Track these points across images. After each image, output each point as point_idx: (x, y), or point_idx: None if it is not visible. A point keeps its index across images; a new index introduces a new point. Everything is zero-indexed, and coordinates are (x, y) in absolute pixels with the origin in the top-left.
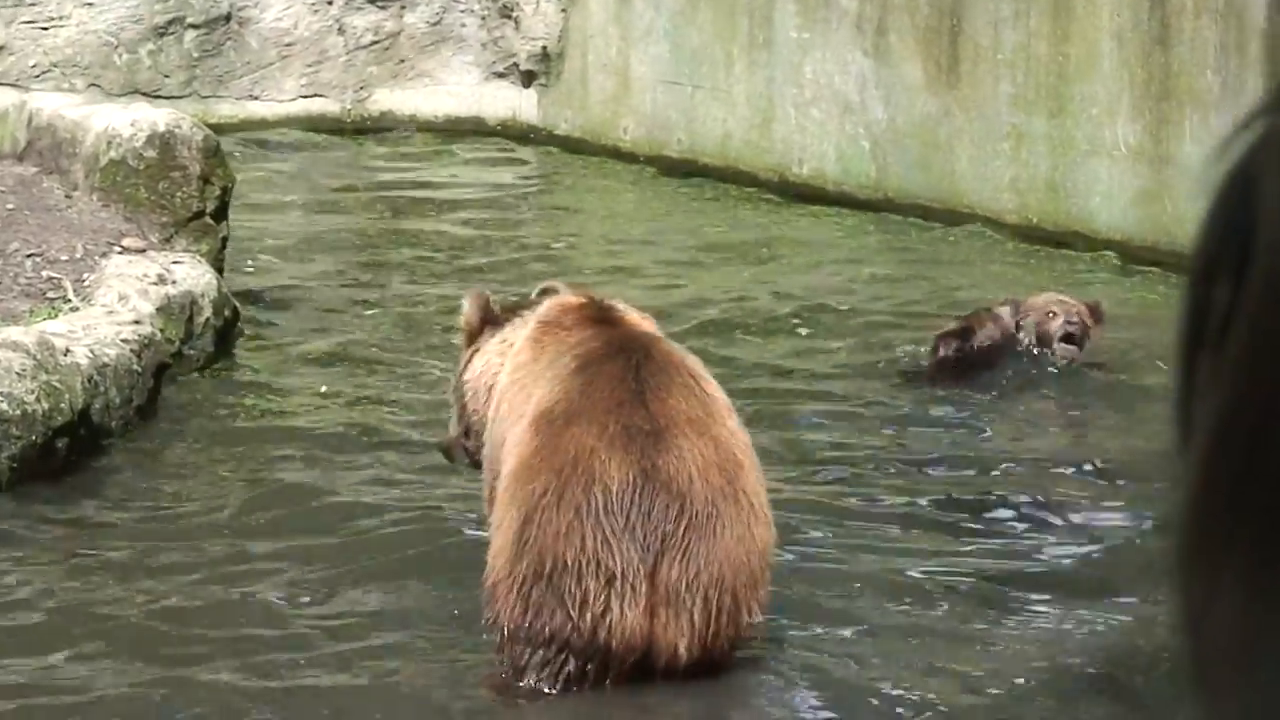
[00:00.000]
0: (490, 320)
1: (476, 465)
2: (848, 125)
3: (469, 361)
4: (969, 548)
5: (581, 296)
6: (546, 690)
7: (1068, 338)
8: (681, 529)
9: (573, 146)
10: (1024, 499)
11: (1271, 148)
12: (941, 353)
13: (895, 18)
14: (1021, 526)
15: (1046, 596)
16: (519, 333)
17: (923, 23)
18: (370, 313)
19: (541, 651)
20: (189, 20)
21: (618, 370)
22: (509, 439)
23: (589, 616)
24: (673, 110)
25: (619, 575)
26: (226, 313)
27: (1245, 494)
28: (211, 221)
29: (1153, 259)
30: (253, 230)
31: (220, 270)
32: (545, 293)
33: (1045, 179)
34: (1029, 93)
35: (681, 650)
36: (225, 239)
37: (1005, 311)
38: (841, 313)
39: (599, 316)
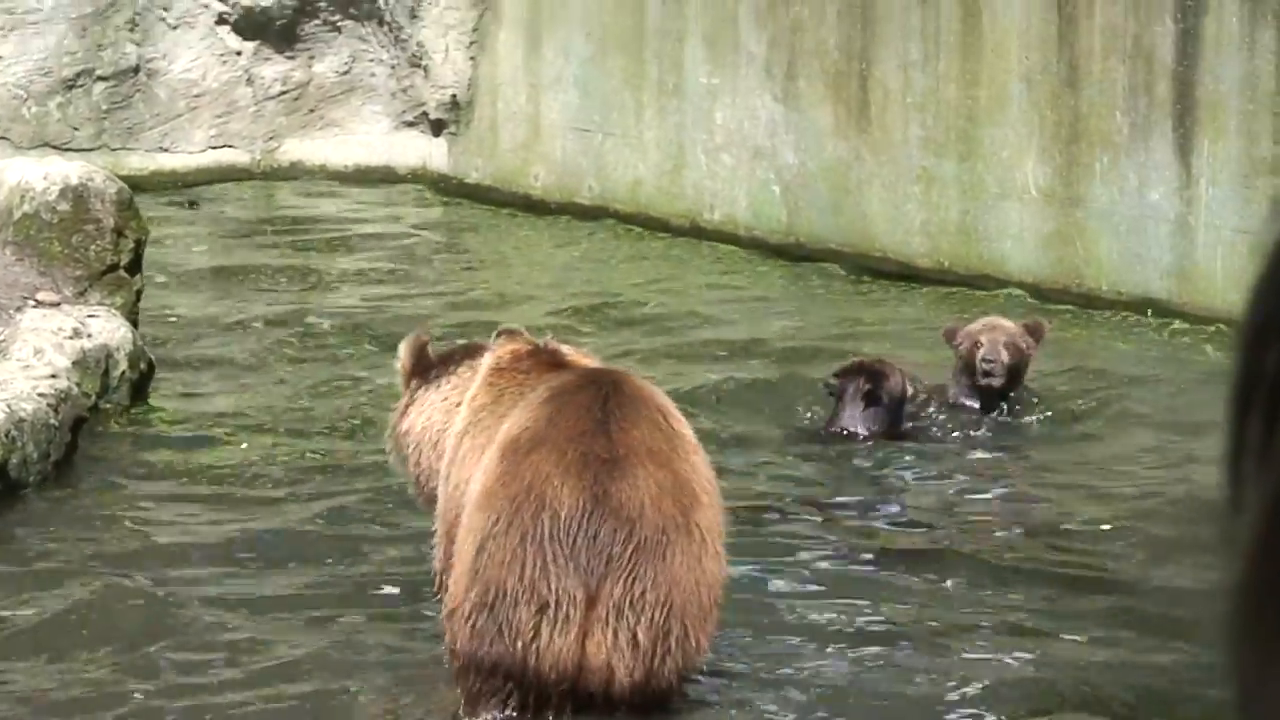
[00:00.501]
0: (426, 364)
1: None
2: (758, 170)
3: (404, 413)
4: (900, 594)
5: (529, 344)
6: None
7: (985, 373)
8: (628, 552)
9: (483, 195)
10: (950, 544)
11: None
12: (850, 390)
13: (804, 62)
14: (947, 572)
15: (984, 643)
16: (468, 383)
17: (832, 67)
18: (285, 363)
19: (488, 681)
20: (98, 72)
21: (586, 400)
22: (477, 472)
23: (520, 645)
24: (583, 157)
25: (552, 603)
26: (142, 365)
27: None
28: (125, 274)
29: (1064, 300)
30: (167, 282)
31: (135, 323)
32: (503, 335)
33: (956, 222)
34: (939, 136)
35: (619, 672)
36: (140, 291)
37: (896, 375)
38: (751, 355)
39: (553, 361)
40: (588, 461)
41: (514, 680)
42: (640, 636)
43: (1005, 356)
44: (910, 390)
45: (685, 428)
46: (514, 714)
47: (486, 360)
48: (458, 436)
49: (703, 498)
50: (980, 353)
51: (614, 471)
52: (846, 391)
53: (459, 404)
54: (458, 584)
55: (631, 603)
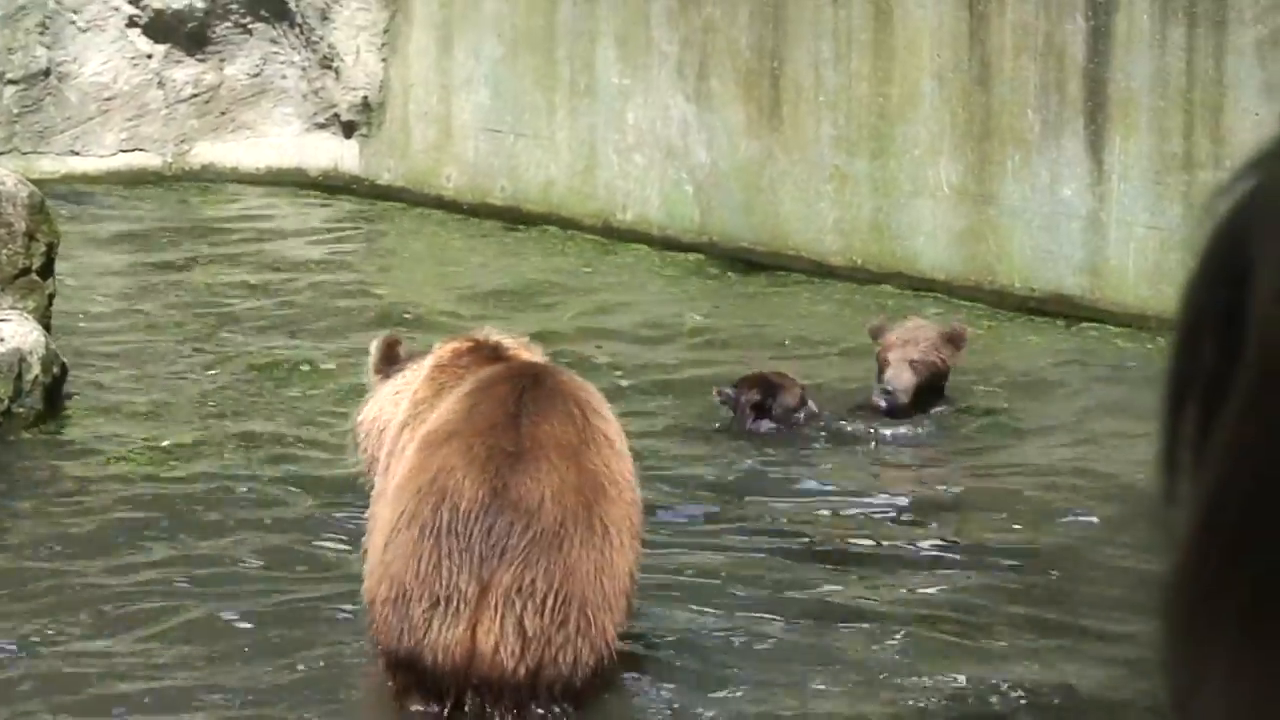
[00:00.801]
0: (392, 362)
1: None
2: (671, 170)
3: (362, 406)
4: (811, 590)
5: (469, 340)
6: (422, 710)
7: (887, 394)
8: (523, 544)
9: (395, 196)
10: (867, 540)
11: (1262, 205)
12: (743, 400)
13: (716, 62)
14: (866, 567)
15: (899, 630)
16: (415, 376)
17: (744, 66)
18: (199, 366)
19: (404, 674)
20: (8, 76)
21: (502, 394)
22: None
23: (414, 641)
24: (495, 158)
25: (443, 599)
26: (55, 370)
27: (1236, 574)
28: (38, 278)
29: (976, 297)
30: (79, 286)
31: (48, 327)
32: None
33: (869, 220)
34: (851, 134)
35: (507, 660)
36: (52, 295)
37: (794, 389)
38: (662, 353)
39: (494, 355)
40: (492, 455)
41: (417, 674)
42: (528, 624)
43: (907, 381)
44: (807, 405)
45: (605, 422)
46: (436, 705)
47: (431, 355)
48: (398, 428)
49: (610, 491)
50: (885, 375)
51: (516, 465)
52: (739, 401)
53: (405, 396)
54: (370, 578)
55: (520, 590)
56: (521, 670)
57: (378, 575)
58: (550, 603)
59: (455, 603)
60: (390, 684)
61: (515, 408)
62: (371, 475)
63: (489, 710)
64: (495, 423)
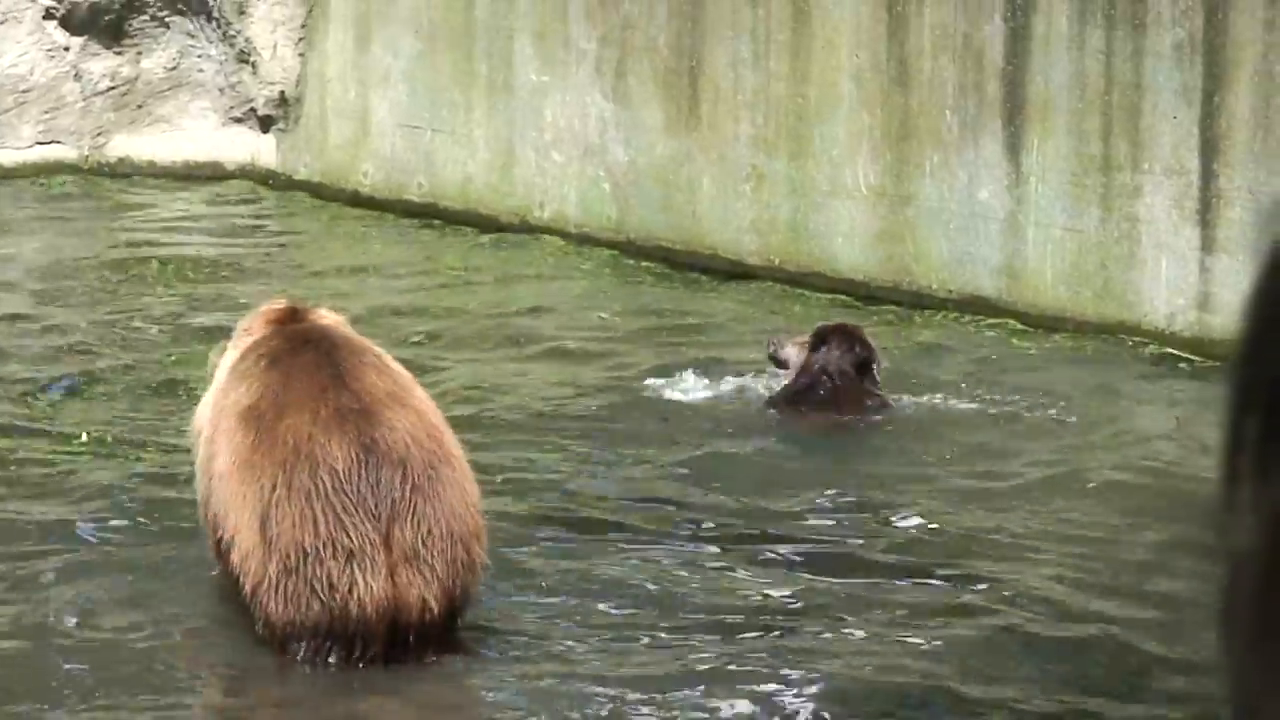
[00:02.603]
0: None
1: None
2: (588, 168)
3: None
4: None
5: (281, 302)
6: (321, 672)
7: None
8: (407, 493)
9: (312, 191)
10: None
11: None
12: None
13: (634, 60)
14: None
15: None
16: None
17: (662, 65)
18: (113, 363)
19: (312, 641)
20: None
21: (311, 360)
22: (215, 444)
23: (339, 596)
24: (412, 154)
25: (356, 550)
26: None
27: None
28: None
29: (894, 298)
30: None
31: None
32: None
33: (786, 220)
34: (769, 134)
35: (431, 603)
36: None
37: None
38: (575, 350)
39: (280, 319)
40: (344, 415)
41: (336, 634)
42: (437, 569)
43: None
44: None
45: (401, 368)
46: (334, 666)
47: (239, 324)
48: (211, 407)
49: (442, 428)
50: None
51: (367, 420)
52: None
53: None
54: (249, 559)
55: (423, 540)
56: (438, 610)
57: (260, 553)
58: (443, 544)
59: (369, 551)
60: (298, 653)
61: (333, 369)
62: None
63: (411, 657)
64: (324, 386)
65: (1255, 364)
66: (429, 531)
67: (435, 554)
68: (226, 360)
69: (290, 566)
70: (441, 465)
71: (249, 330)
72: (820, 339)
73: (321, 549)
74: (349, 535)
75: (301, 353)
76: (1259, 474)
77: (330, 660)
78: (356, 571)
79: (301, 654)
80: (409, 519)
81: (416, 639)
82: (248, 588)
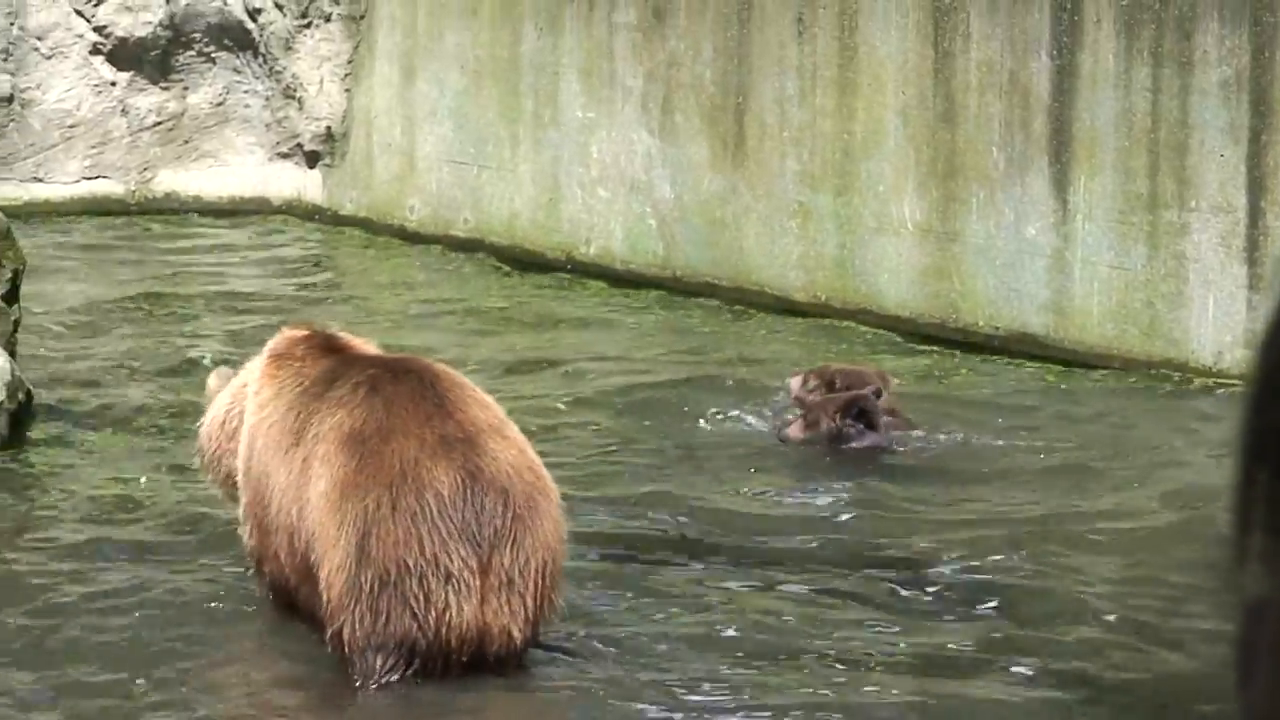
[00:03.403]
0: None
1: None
2: (634, 204)
3: (206, 418)
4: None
5: (304, 328)
6: (394, 688)
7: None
8: (508, 522)
9: (359, 226)
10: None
11: None
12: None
13: (681, 96)
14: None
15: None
16: (251, 374)
17: (708, 101)
18: (160, 394)
19: (393, 656)
20: None
21: (412, 389)
22: (284, 470)
23: (432, 616)
24: (459, 189)
25: (455, 573)
26: (20, 396)
27: None
28: (3, 304)
29: (939, 335)
30: (43, 313)
31: (13, 353)
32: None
33: (833, 256)
34: (815, 170)
35: (515, 634)
36: (17, 321)
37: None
38: (625, 387)
39: (327, 345)
40: (449, 443)
41: (419, 652)
42: (528, 600)
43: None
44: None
45: (493, 402)
46: (409, 682)
47: (267, 347)
48: (250, 431)
49: (538, 463)
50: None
51: (473, 449)
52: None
53: (245, 391)
54: (340, 573)
55: (520, 570)
56: (520, 641)
57: (354, 568)
58: (536, 575)
59: (466, 577)
60: (359, 671)
61: (437, 398)
62: (220, 470)
63: (488, 676)
64: (429, 414)
65: (1265, 414)
66: (526, 561)
67: (529, 584)
68: (265, 385)
69: (388, 580)
70: (540, 498)
71: (292, 356)
72: (836, 386)
73: (424, 566)
74: (450, 558)
75: (403, 381)
76: (1270, 525)
77: (406, 672)
78: (451, 594)
79: (379, 668)
80: (509, 547)
81: (495, 664)
82: (331, 601)
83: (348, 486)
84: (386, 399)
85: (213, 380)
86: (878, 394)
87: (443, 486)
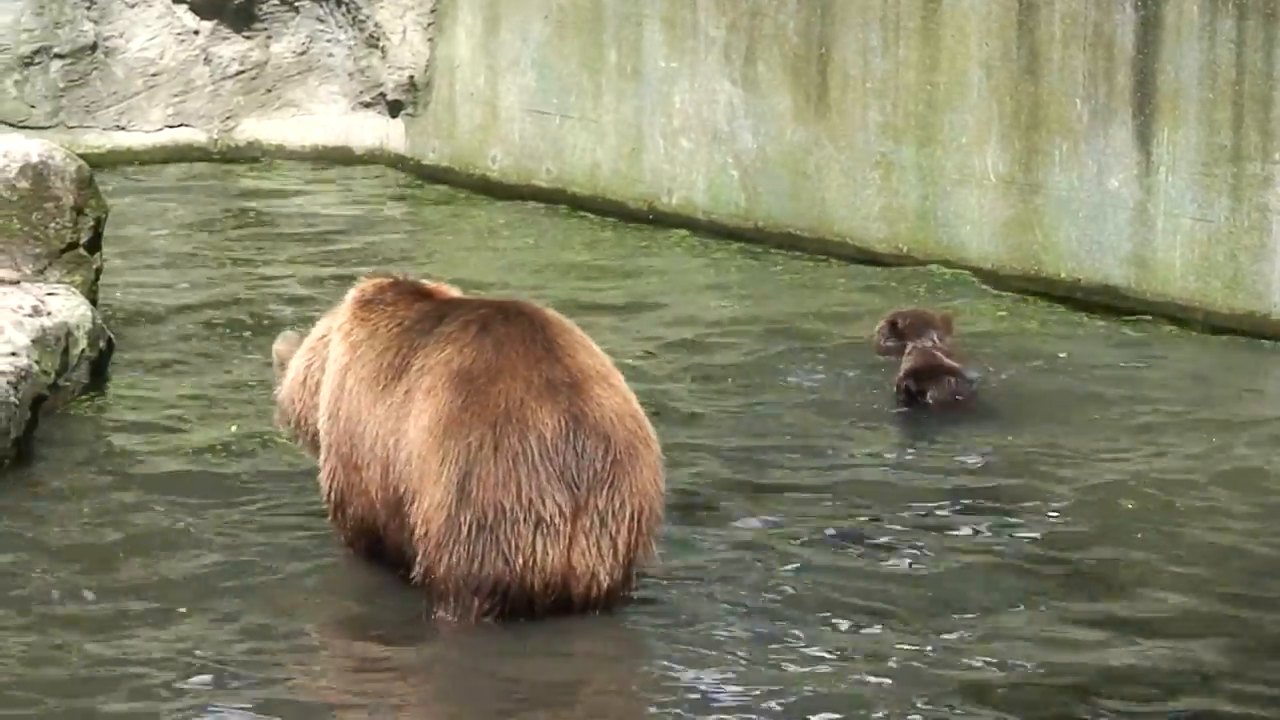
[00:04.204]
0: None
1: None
2: (717, 155)
3: (279, 383)
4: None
5: (388, 277)
6: (488, 627)
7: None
8: (608, 466)
9: (441, 176)
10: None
11: None
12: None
13: (764, 47)
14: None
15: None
16: (336, 321)
17: (791, 52)
18: (245, 345)
19: (484, 598)
20: (55, 50)
21: (523, 332)
22: (382, 403)
23: (521, 560)
24: (541, 140)
25: (546, 519)
26: (101, 344)
27: None
28: (85, 253)
29: (1022, 287)
30: (126, 261)
31: (94, 301)
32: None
33: (915, 208)
34: (898, 121)
35: (602, 576)
36: (99, 270)
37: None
38: (709, 338)
39: (416, 291)
40: (555, 387)
41: (507, 596)
42: (619, 544)
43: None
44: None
45: (601, 351)
46: (499, 622)
47: (350, 296)
48: (339, 373)
49: (641, 413)
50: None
51: (578, 394)
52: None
53: (327, 341)
54: (439, 511)
55: (613, 513)
56: (607, 585)
57: (453, 507)
58: (632, 520)
59: (556, 522)
60: (449, 609)
61: (546, 342)
62: (307, 426)
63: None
64: (538, 357)
65: None
66: (621, 505)
67: (621, 529)
68: (353, 330)
69: (484, 524)
70: (641, 446)
71: (382, 302)
72: (899, 327)
73: (518, 511)
74: (544, 502)
75: (514, 323)
76: None
77: (497, 613)
78: (540, 539)
79: (472, 609)
80: (605, 490)
81: (583, 606)
82: (429, 536)
83: (452, 423)
84: (497, 339)
85: (280, 344)
86: (941, 337)
87: (546, 429)
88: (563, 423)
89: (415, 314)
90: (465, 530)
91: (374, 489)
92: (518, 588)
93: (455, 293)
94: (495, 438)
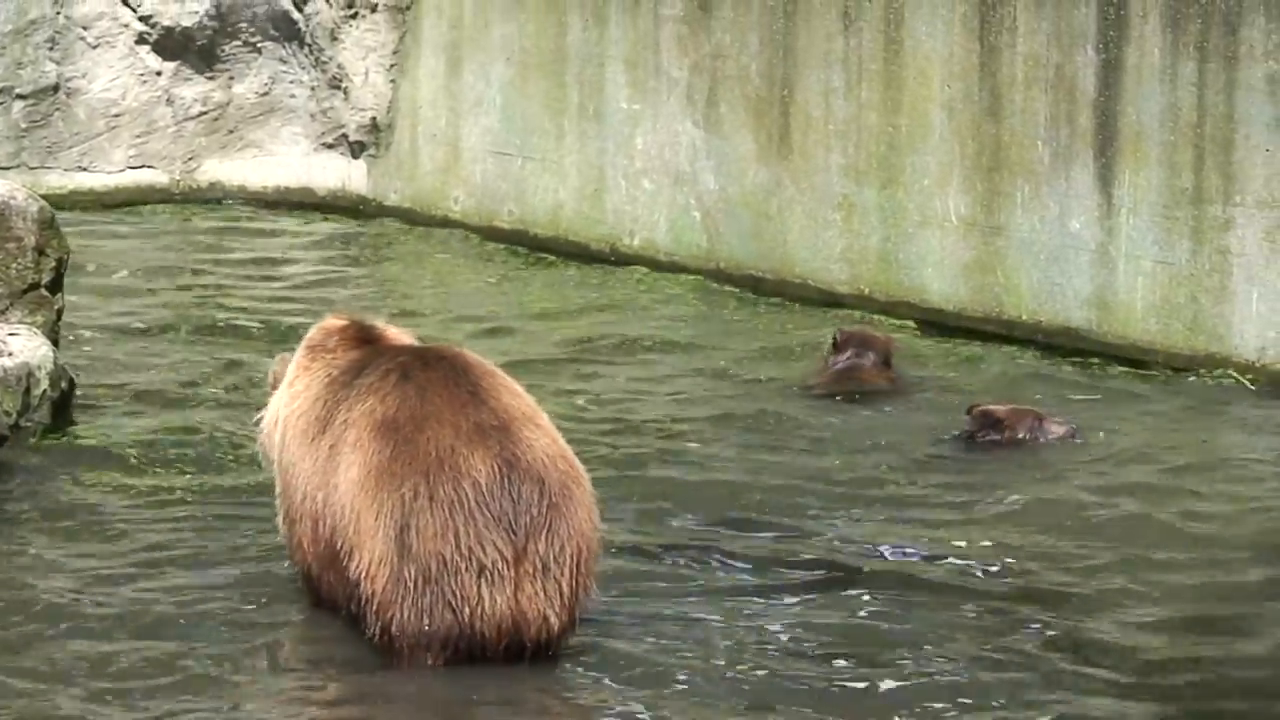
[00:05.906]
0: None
1: None
2: (679, 196)
3: (265, 412)
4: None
5: (343, 319)
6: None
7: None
8: (544, 511)
9: (403, 216)
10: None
11: None
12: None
13: (726, 88)
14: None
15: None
16: (290, 364)
17: (754, 93)
18: (204, 385)
19: (437, 650)
20: (17, 90)
21: (445, 377)
22: (309, 457)
23: (468, 611)
24: (503, 181)
25: (489, 566)
26: (63, 385)
27: None
28: (47, 293)
29: (984, 329)
30: (87, 302)
31: (56, 342)
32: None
33: (877, 249)
34: (860, 163)
35: (552, 619)
36: (60, 310)
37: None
38: (669, 380)
39: (361, 336)
40: (484, 430)
41: (461, 647)
42: (564, 586)
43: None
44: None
45: (524, 391)
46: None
47: (303, 341)
48: (282, 422)
49: (570, 452)
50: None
51: (508, 437)
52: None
53: (286, 387)
54: (381, 566)
55: (554, 558)
56: (558, 628)
57: (395, 563)
58: (572, 562)
59: (500, 569)
60: (419, 662)
61: (470, 386)
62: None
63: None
64: (463, 402)
65: None
66: (561, 549)
67: (565, 571)
68: (299, 376)
69: (429, 577)
70: (574, 486)
71: (324, 348)
72: (838, 341)
73: (459, 561)
74: (484, 549)
75: (435, 368)
76: None
77: (449, 663)
78: (485, 587)
79: (424, 661)
80: (544, 535)
81: (534, 652)
82: (375, 595)
83: (383, 474)
84: (419, 386)
85: (277, 365)
86: (887, 360)
87: (480, 475)
88: (496, 468)
89: (344, 363)
90: (410, 585)
91: (306, 542)
92: (469, 637)
93: (407, 338)
94: (429, 487)
